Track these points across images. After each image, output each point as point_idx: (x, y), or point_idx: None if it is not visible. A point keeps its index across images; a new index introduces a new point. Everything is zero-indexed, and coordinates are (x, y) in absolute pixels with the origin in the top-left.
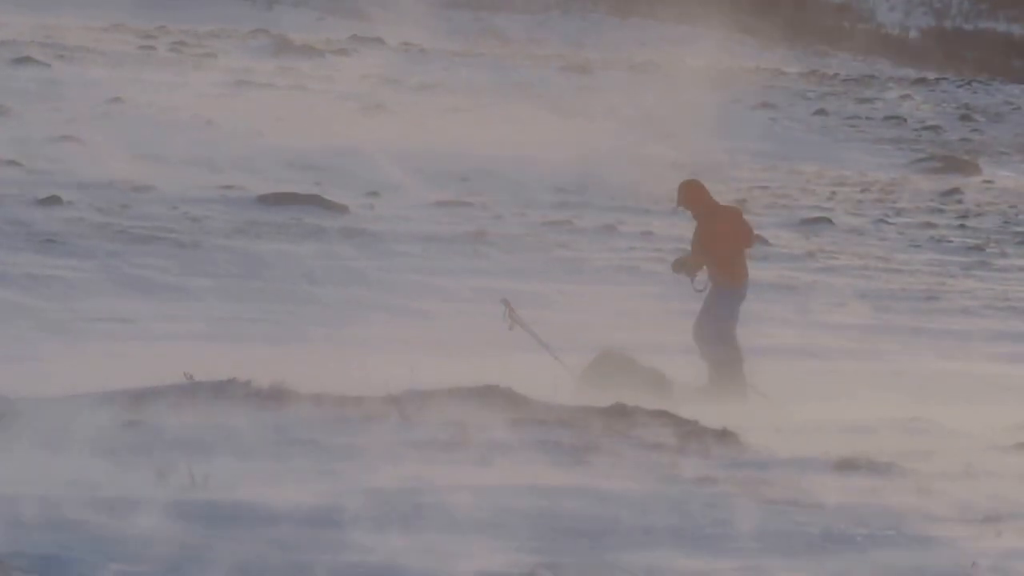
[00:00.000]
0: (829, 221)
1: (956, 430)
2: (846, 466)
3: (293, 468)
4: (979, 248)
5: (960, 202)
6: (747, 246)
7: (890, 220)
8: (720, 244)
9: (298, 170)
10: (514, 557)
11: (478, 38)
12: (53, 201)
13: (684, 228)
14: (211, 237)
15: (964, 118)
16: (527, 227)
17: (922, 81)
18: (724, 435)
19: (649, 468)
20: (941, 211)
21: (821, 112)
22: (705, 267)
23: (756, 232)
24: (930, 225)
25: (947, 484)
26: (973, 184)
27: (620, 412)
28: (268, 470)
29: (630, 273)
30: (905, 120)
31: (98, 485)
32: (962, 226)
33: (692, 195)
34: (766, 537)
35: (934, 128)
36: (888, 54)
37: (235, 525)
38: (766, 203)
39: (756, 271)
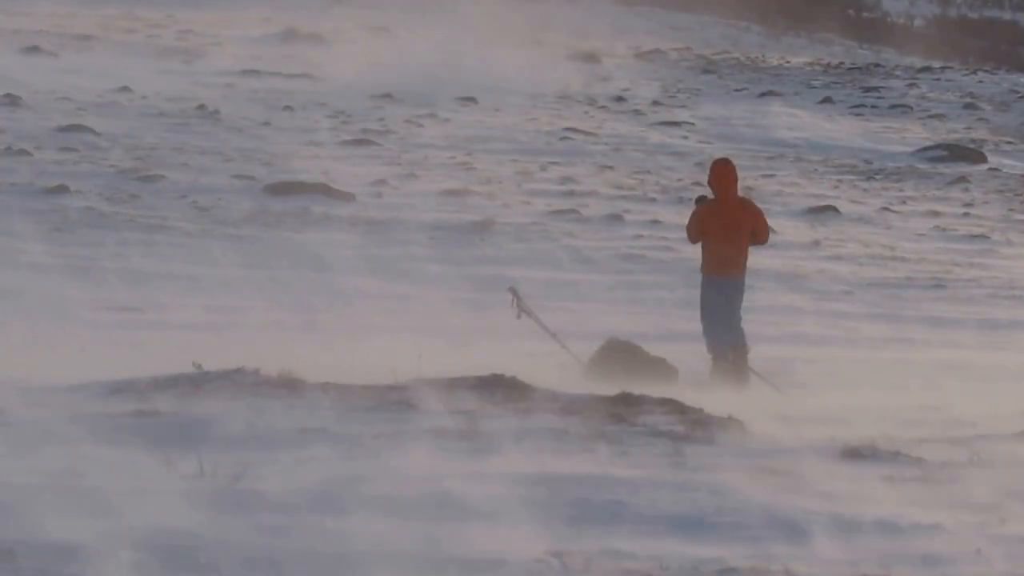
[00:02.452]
0: (835, 210)
1: (961, 418)
2: (852, 454)
3: (301, 457)
4: (984, 236)
5: (966, 190)
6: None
7: (895, 209)
8: (749, 234)
9: (306, 159)
10: (521, 545)
11: (486, 26)
12: (62, 190)
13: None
14: (219, 226)
15: (969, 107)
16: (533, 216)
17: (927, 70)
18: (730, 423)
19: (655, 456)
20: (947, 200)
21: (827, 101)
22: (717, 257)
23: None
24: (936, 214)
25: (952, 472)
26: (978, 173)
27: (626, 400)
28: (277, 459)
29: (636, 262)
30: (911, 109)
31: (108, 474)
32: (967, 214)
33: (735, 176)
34: (773, 525)
35: (939, 117)
36: (893, 43)
37: (244, 514)
38: (772, 191)
39: (762, 259)
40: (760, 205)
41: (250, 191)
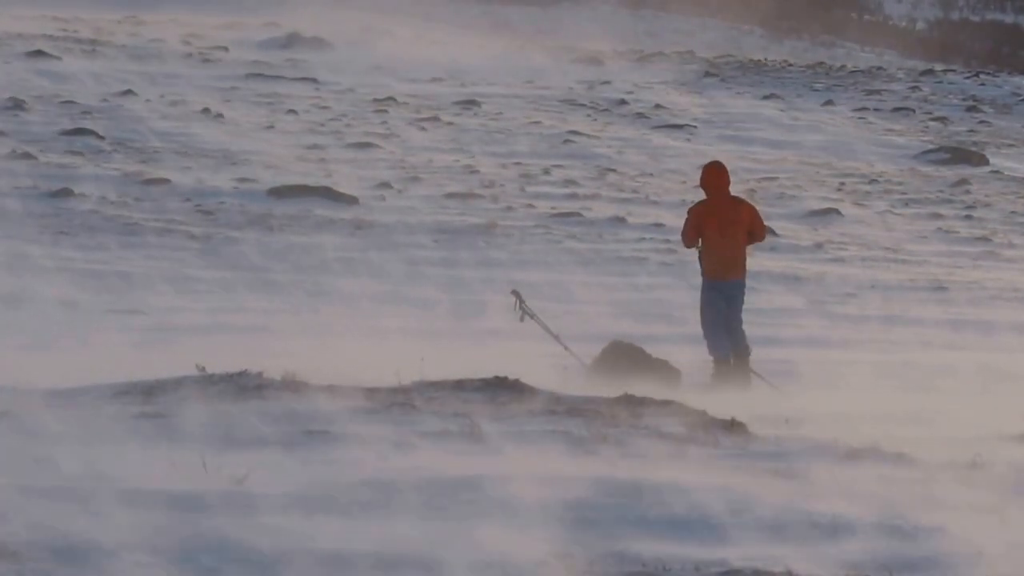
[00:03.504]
0: (837, 212)
1: (964, 420)
2: (854, 456)
3: (305, 458)
4: (987, 239)
5: (968, 193)
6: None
7: (898, 211)
8: (746, 234)
9: (309, 162)
10: (525, 547)
11: (489, 30)
12: (66, 194)
13: None
14: (223, 229)
15: (971, 109)
16: (537, 218)
17: (929, 72)
18: (732, 425)
19: (658, 458)
20: (949, 202)
21: (829, 103)
22: (715, 259)
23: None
24: (938, 216)
25: (954, 473)
26: (981, 175)
27: (629, 402)
28: (280, 461)
29: (639, 264)
30: (913, 111)
31: (112, 476)
32: (969, 217)
33: (727, 178)
34: (774, 527)
35: (942, 119)
36: (896, 45)
37: (249, 515)
38: (774, 194)
39: (765, 262)
40: (763, 208)
41: (253, 194)
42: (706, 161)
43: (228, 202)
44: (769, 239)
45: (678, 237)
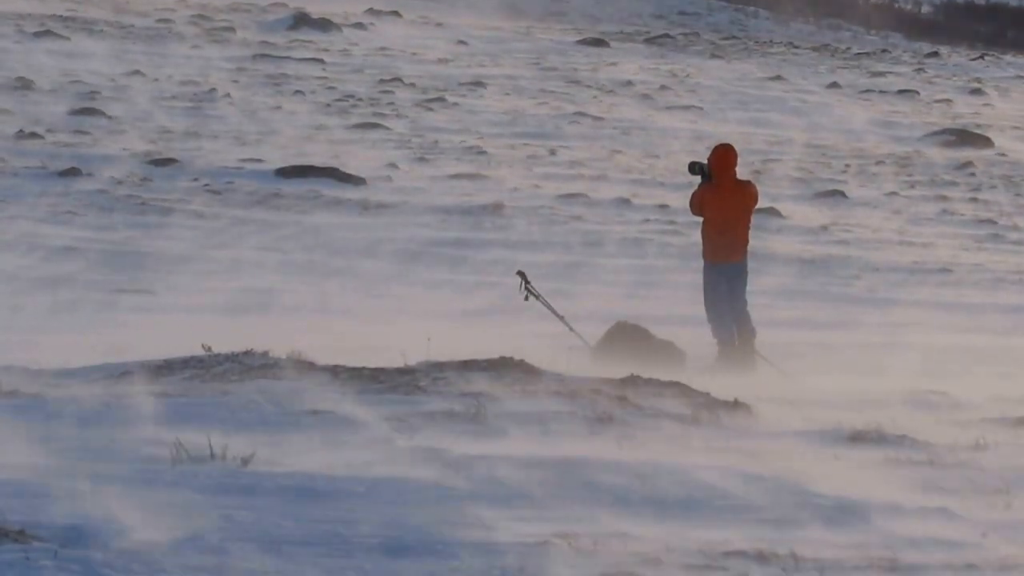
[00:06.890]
0: (843, 194)
1: (967, 402)
2: (858, 438)
3: (310, 439)
4: (991, 221)
5: (972, 175)
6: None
7: (903, 193)
8: (748, 217)
9: (317, 143)
10: (528, 527)
11: (495, 11)
12: (73, 173)
13: None
14: (230, 209)
15: (976, 92)
16: (543, 199)
17: (934, 55)
18: (736, 407)
19: (663, 439)
20: (954, 184)
21: (834, 85)
22: (715, 241)
23: (769, 205)
24: (943, 198)
25: (958, 456)
26: (985, 157)
27: (634, 383)
28: (285, 441)
29: (645, 245)
30: (918, 93)
31: (117, 456)
32: (974, 199)
33: (734, 161)
34: (779, 508)
35: (946, 102)
36: (901, 28)
37: (253, 495)
38: (780, 176)
39: (770, 243)
40: (769, 189)
41: (261, 174)
42: (715, 142)
43: (236, 182)
44: (775, 220)
45: (683, 218)
